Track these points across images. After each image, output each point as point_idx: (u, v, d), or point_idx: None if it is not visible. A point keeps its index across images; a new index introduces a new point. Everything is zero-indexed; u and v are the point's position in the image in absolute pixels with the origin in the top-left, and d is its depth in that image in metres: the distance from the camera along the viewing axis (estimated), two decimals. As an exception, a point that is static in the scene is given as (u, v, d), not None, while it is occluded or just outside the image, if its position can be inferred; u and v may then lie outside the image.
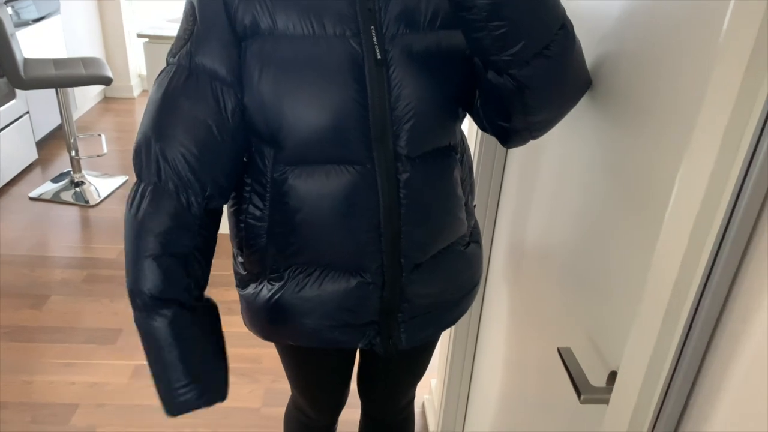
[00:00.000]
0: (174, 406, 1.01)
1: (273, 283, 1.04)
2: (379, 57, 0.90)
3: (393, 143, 0.93)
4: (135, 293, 0.96)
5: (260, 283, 1.06)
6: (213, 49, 0.90)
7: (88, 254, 2.95)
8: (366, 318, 1.04)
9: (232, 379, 2.27)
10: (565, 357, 0.91)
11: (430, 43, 0.92)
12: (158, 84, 0.93)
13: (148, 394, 2.20)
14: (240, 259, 1.09)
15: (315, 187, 0.94)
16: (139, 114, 4.72)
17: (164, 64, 0.95)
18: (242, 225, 1.03)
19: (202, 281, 1.01)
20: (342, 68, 0.89)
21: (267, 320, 1.08)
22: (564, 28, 0.83)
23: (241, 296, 1.12)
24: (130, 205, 0.94)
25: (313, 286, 1.02)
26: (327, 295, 1.02)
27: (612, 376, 0.86)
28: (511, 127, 0.93)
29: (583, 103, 0.95)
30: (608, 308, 0.90)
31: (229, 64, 0.90)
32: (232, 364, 2.33)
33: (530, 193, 1.27)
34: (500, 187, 1.51)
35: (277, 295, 1.04)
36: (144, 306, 0.96)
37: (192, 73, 0.90)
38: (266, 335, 1.13)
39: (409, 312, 1.06)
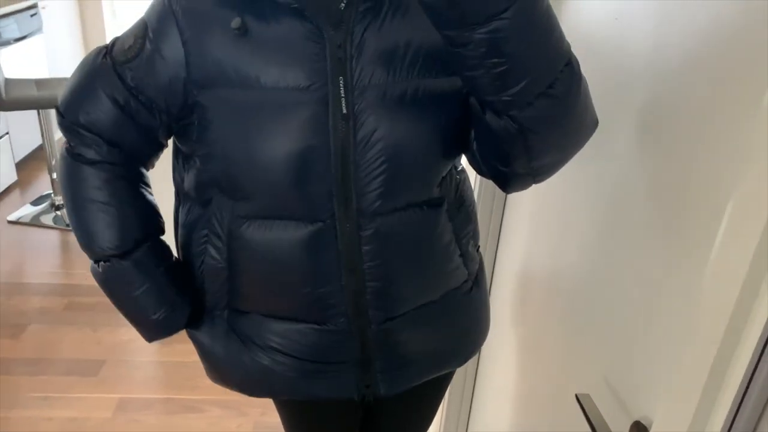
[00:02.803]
0: (153, 332, 1.03)
1: (233, 329, 1.01)
2: (344, 111, 0.84)
3: (357, 200, 0.87)
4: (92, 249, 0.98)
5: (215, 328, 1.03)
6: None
7: (69, 280, 2.85)
8: (338, 368, 1.00)
9: (219, 412, 2.19)
10: (585, 404, 0.86)
11: (407, 87, 0.85)
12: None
13: (133, 430, 2.10)
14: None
15: (273, 241, 0.91)
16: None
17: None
18: (201, 271, 1.00)
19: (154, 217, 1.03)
20: (304, 123, 0.84)
21: (232, 370, 1.05)
22: (569, 64, 0.75)
23: (199, 344, 1.07)
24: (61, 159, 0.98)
25: (279, 334, 0.98)
26: (294, 344, 0.98)
27: (636, 426, 0.80)
28: (512, 171, 0.86)
29: (606, 126, 0.89)
30: (630, 352, 0.85)
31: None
32: (219, 396, 2.24)
33: (539, 222, 1.22)
34: (502, 215, 1.46)
35: (242, 342, 1.01)
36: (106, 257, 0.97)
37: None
38: (240, 387, 1.08)
39: (386, 362, 1.01)
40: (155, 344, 2.51)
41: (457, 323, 1.06)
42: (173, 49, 0.85)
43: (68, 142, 0.96)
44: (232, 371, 1.05)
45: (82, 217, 0.96)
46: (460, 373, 1.61)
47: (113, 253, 0.96)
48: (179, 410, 2.19)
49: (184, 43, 0.85)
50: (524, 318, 1.30)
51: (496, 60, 0.71)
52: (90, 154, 0.93)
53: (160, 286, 0.98)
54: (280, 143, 0.84)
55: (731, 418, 0.56)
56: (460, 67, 0.76)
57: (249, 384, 1.06)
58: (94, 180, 0.94)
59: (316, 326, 0.96)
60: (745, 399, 0.55)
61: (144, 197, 1.00)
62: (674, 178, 0.75)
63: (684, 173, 0.73)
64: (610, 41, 0.91)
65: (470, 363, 1.60)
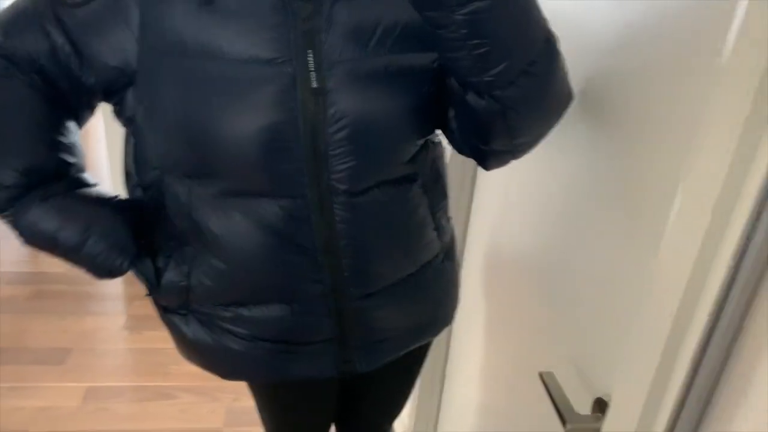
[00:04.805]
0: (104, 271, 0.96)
1: (199, 320, 0.99)
2: (315, 86, 0.81)
3: (328, 178, 0.85)
4: None
5: (186, 317, 1.01)
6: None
7: (36, 268, 2.79)
8: (315, 347, 1.00)
9: (191, 398, 2.18)
10: (548, 382, 0.88)
11: (379, 65, 0.83)
12: None
13: (102, 419, 2.08)
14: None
15: (243, 221, 0.88)
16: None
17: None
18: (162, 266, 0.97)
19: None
20: (269, 98, 0.80)
21: (205, 354, 1.03)
22: (549, 41, 0.77)
23: (171, 326, 1.04)
24: None
25: (249, 321, 0.97)
26: (265, 328, 0.97)
27: (598, 403, 0.83)
28: (492, 149, 0.87)
29: (573, 106, 0.89)
30: (594, 330, 0.87)
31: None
32: (191, 382, 2.25)
33: (508, 198, 1.24)
34: (472, 191, 1.47)
35: (210, 330, 0.99)
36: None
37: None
38: (214, 370, 1.06)
39: (363, 338, 1.01)
40: (124, 332, 2.50)
41: (430, 295, 1.07)
42: (129, 8, 0.80)
43: None
44: (204, 355, 1.04)
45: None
46: (433, 347, 1.63)
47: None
48: (150, 397, 2.18)
49: (139, 4, 0.80)
50: (493, 295, 1.32)
51: (477, 41, 0.71)
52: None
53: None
54: (243, 119, 0.81)
55: (683, 394, 0.58)
56: (442, 49, 0.76)
57: (223, 368, 1.05)
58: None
59: (289, 307, 0.95)
60: (697, 373, 0.57)
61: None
62: (632, 159, 0.77)
63: (642, 154, 0.75)
64: (570, 18, 0.92)
65: (443, 339, 1.62)
